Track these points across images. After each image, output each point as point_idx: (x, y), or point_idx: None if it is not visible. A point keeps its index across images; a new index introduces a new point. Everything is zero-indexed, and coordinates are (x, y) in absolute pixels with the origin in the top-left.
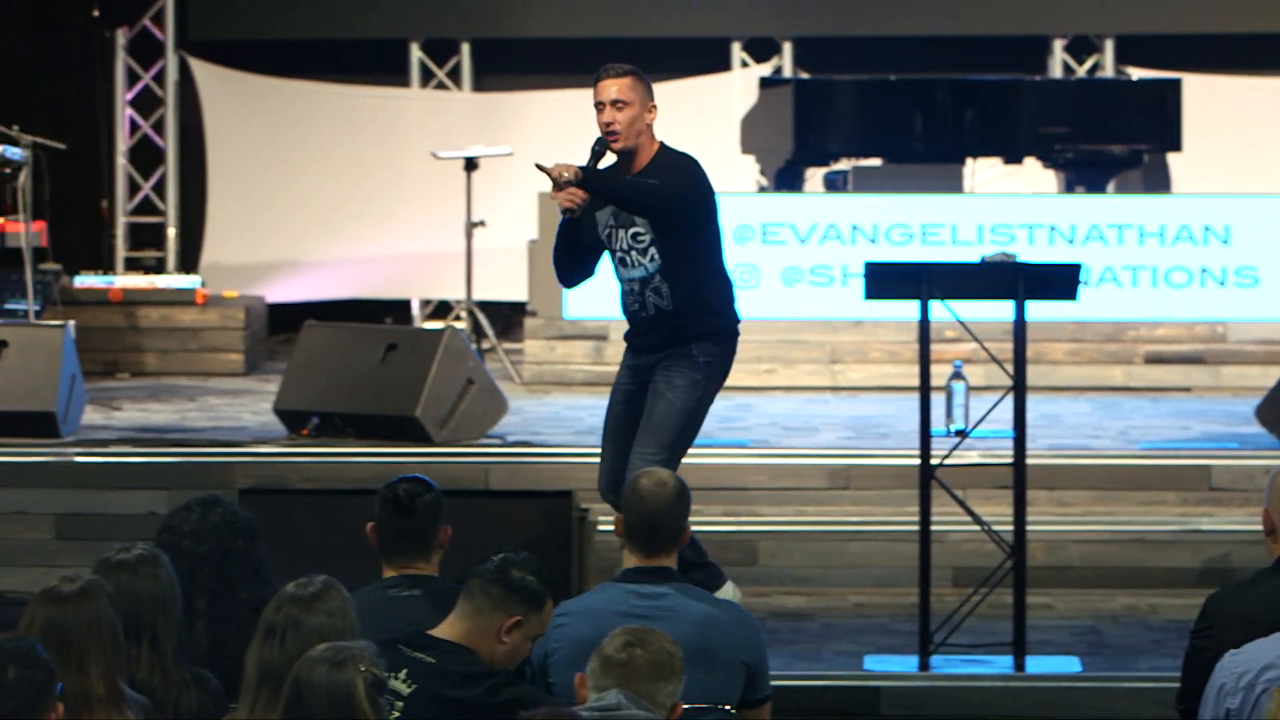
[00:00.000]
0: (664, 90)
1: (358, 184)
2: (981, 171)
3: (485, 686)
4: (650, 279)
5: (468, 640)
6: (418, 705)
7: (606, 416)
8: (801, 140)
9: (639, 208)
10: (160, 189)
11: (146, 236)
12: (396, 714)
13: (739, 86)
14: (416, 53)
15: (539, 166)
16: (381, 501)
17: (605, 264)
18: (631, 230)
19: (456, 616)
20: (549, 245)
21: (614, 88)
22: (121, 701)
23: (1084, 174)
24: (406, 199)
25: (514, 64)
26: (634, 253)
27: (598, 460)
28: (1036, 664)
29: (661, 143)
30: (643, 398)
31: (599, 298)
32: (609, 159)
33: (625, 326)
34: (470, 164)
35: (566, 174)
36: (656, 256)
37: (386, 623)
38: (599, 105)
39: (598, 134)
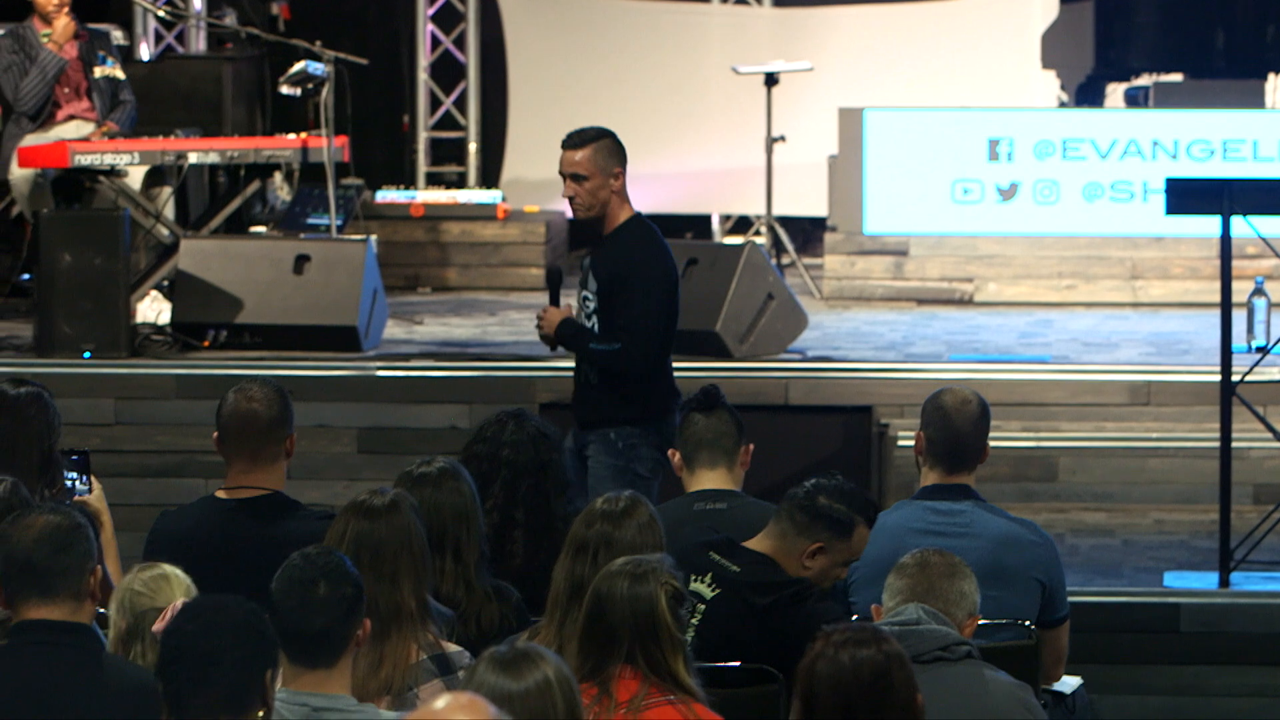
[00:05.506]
0: (966, 6)
1: (658, 99)
2: None
3: (791, 591)
4: None
5: (774, 558)
6: (720, 609)
7: None
8: (1102, 56)
9: (596, 365)
10: (461, 104)
11: (448, 152)
12: (698, 617)
13: (1039, 2)
14: None
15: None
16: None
17: None
18: (583, 293)
19: (764, 536)
20: (849, 160)
21: (571, 159)
22: (428, 615)
23: None
24: (707, 114)
25: None
26: (582, 315)
27: (898, 376)
28: None
29: (636, 213)
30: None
31: (899, 212)
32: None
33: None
34: (770, 79)
35: (546, 329)
36: (596, 329)
37: (692, 537)
38: (561, 175)
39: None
